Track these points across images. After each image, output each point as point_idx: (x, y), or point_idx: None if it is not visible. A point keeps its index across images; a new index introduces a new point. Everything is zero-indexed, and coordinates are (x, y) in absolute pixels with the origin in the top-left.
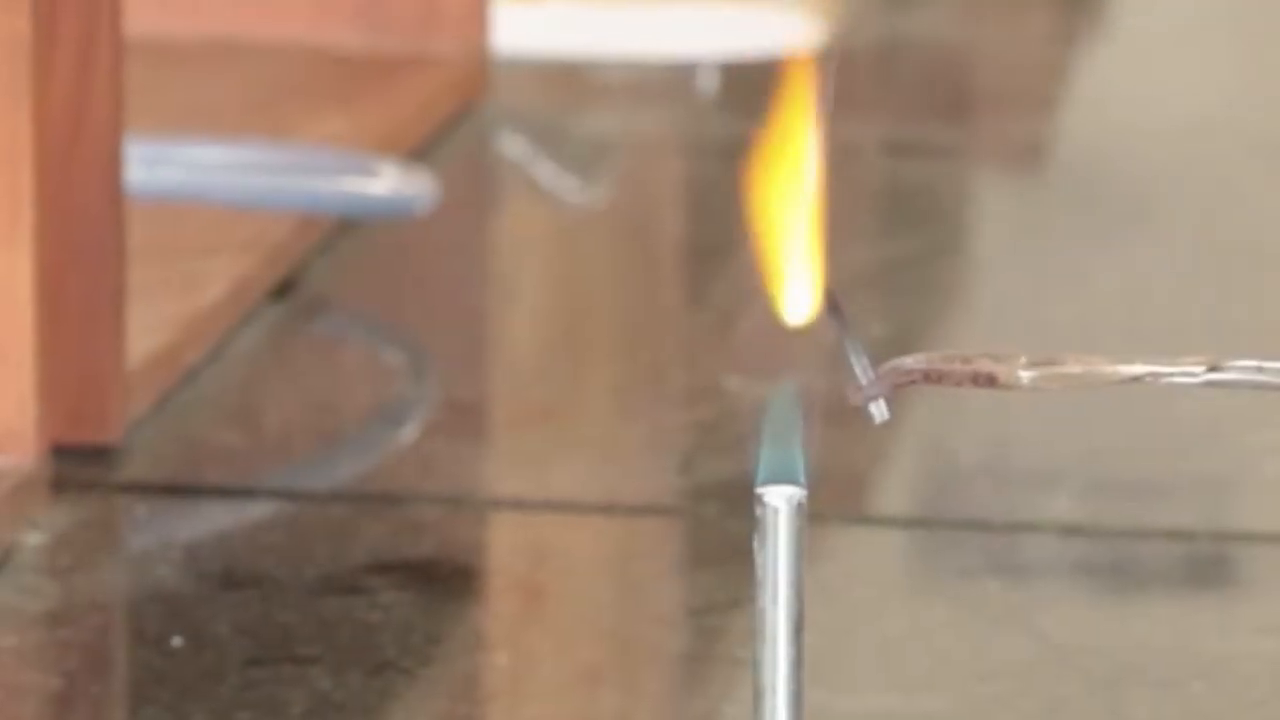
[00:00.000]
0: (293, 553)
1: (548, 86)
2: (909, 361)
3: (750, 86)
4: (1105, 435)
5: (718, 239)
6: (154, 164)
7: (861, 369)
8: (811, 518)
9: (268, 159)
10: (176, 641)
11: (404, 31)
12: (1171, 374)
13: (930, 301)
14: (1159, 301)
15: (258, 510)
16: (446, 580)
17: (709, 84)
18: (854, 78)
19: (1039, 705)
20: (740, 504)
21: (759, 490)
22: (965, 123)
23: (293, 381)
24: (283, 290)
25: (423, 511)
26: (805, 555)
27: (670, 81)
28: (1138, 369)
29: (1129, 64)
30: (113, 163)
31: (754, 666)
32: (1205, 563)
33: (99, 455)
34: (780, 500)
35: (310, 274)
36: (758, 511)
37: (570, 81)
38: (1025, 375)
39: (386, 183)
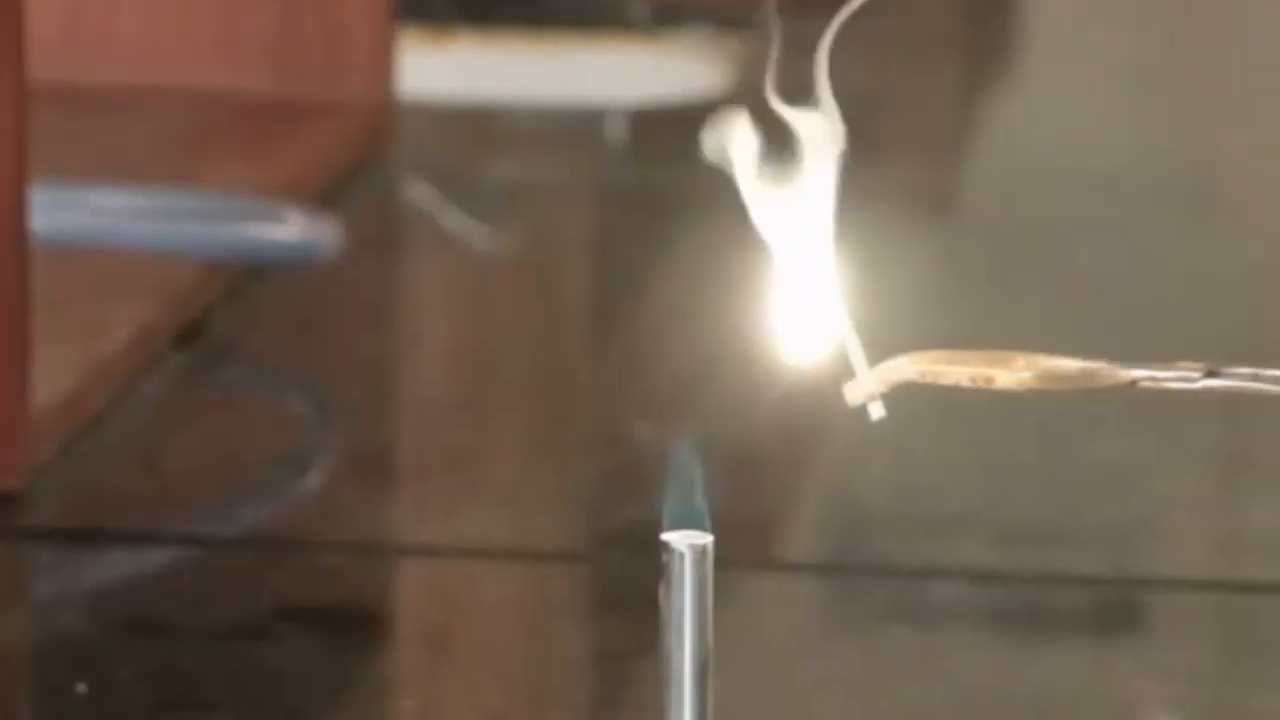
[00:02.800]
0: (198, 599)
1: (455, 133)
2: (905, 360)
3: (659, 134)
4: (1014, 481)
5: (625, 286)
6: (59, 210)
7: (859, 367)
8: (718, 564)
9: (174, 205)
10: (81, 688)
11: (311, 77)
12: (1169, 378)
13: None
14: (1063, 349)
15: (163, 557)
16: (353, 627)
17: (618, 131)
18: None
19: None
20: (647, 550)
21: (664, 536)
22: (873, 169)
23: (198, 428)
24: (188, 337)
25: (329, 558)
26: (712, 601)
27: (578, 128)
28: (1136, 373)
29: (1037, 113)
30: (17, 210)
31: (660, 712)
32: (1113, 609)
33: (3, 501)
34: (685, 546)
35: (216, 320)
36: (663, 557)
37: (478, 128)
38: (1023, 376)
39: (293, 229)
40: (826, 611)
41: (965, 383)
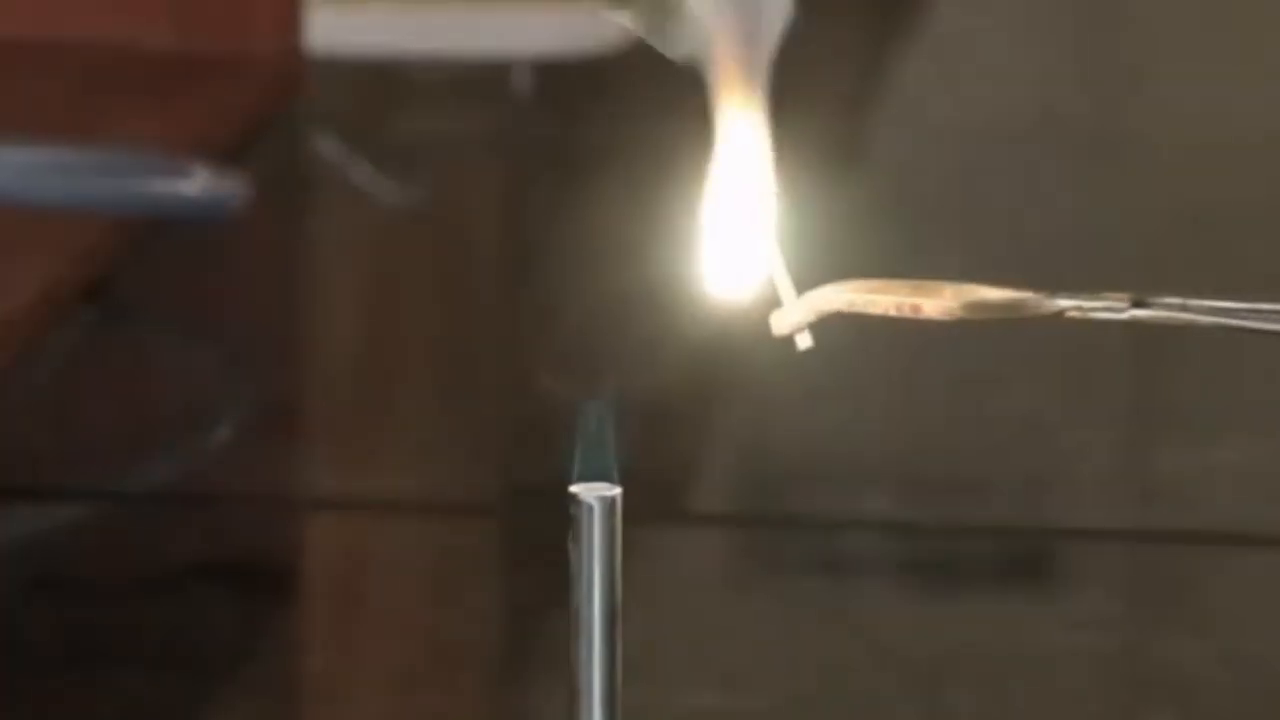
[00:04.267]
0: (107, 555)
1: (362, 87)
2: (832, 290)
3: (566, 86)
4: (923, 432)
5: (533, 239)
6: None
7: (785, 296)
8: (627, 516)
9: (77, 160)
10: None
11: (217, 31)
12: (1095, 308)
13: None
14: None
15: (70, 512)
16: (262, 581)
17: (524, 83)
18: (668, 78)
19: (858, 703)
20: (556, 503)
21: (573, 489)
22: (776, 123)
23: (104, 384)
24: (93, 293)
25: (238, 512)
26: (621, 554)
27: (485, 81)
28: (1062, 302)
29: (947, 64)
30: None
31: (569, 665)
32: (1023, 559)
33: None
34: (594, 499)
35: (121, 276)
36: (571, 510)
37: (385, 81)
38: (950, 306)
39: (198, 184)
40: (734, 564)
41: (893, 311)
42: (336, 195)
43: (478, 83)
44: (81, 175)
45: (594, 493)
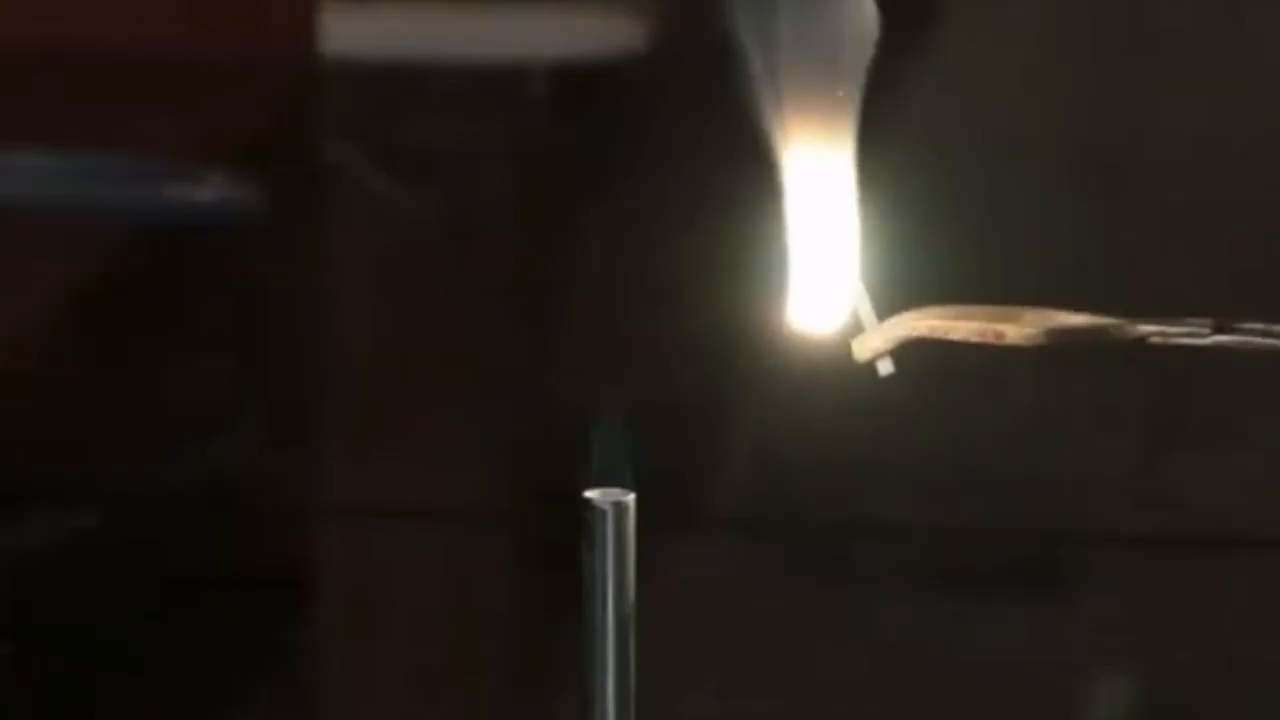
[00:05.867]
0: (122, 560)
1: (377, 92)
2: (913, 316)
3: (580, 90)
4: (938, 439)
5: (549, 244)
6: None
7: (867, 322)
8: (642, 522)
9: (92, 167)
10: (3, 649)
11: (231, 36)
12: (1178, 334)
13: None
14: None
15: (86, 517)
16: (277, 587)
17: (538, 87)
18: (683, 82)
19: (873, 709)
20: (570, 509)
21: (587, 494)
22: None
23: (120, 391)
24: (108, 299)
25: (253, 519)
26: (635, 560)
27: (499, 85)
28: (1145, 328)
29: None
30: None
31: (582, 670)
32: (1038, 565)
33: None
34: (607, 504)
35: (136, 283)
36: (585, 516)
37: (399, 86)
38: (1031, 332)
39: (213, 190)
40: (749, 570)
41: (974, 338)
42: (351, 201)
43: (492, 87)
44: (96, 182)
45: (608, 498)
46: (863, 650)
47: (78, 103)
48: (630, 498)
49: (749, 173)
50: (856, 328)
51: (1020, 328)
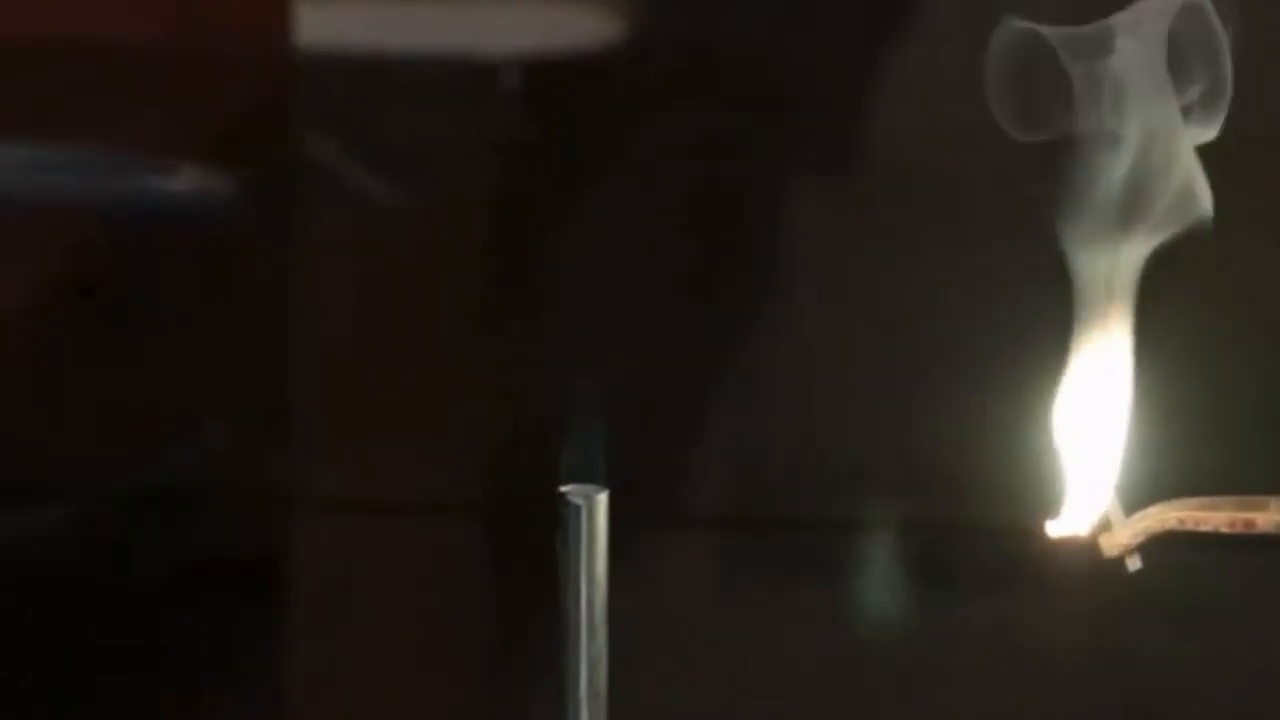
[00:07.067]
0: (98, 553)
1: (353, 85)
2: (1161, 509)
3: (556, 84)
4: (915, 433)
5: (525, 238)
6: None
7: (1116, 518)
8: (618, 518)
9: (69, 160)
10: None
11: (207, 30)
12: None
13: (727, 305)
14: (960, 314)
15: (62, 511)
16: (253, 581)
17: (513, 81)
18: (659, 76)
19: (850, 704)
20: (546, 504)
21: (562, 489)
22: (777, 122)
23: (95, 383)
24: (85, 292)
25: (229, 512)
26: (611, 554)
27: (475, 79)
28: None
29: (945, 61)
30: None
31: (558, 664)
32: (1018, 560)
33: None
34: (581, 499)
35: (112, 275)
36: (561, 510)
37: (375, 80)
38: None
39: (190, 183)
40: (725, 565)
41: (1224, 529)
42: (326, 194)
43: (467, 81)
44: (73, 174)
45: (582, 494)
46: (839, 645)
47: (53, 96)
48: (603, 493)
49: (726, 165)
50: (1105, 523)
51: (1270, 515)
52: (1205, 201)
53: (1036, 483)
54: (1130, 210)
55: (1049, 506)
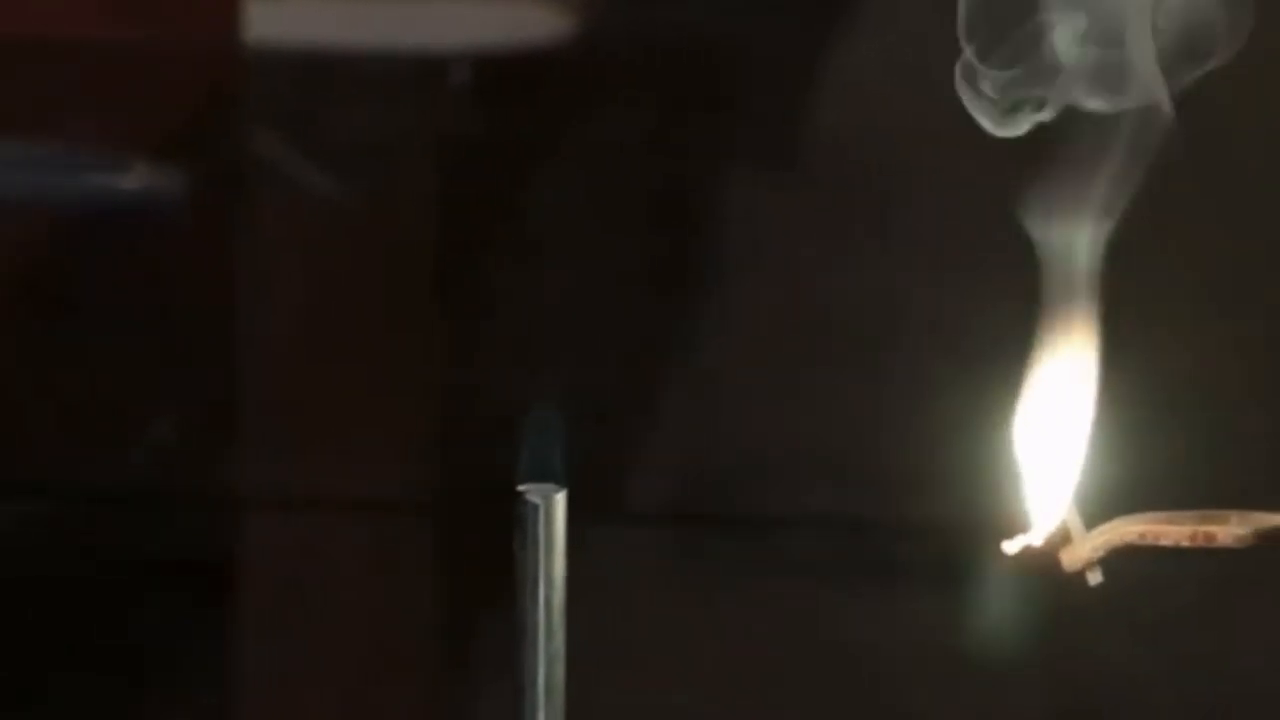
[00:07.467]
0: (44, 551)
1: (299, 81)
2: (1122, 523)
3: (504, 80)
4: (864, 430)
5: (472, 235)
6: None
7: (1077, 533)
8: (572, 515)
9: (15, 156)
10: None
11: (154, 25)
12: None
13: (677, 301)
14: (909, 310)
15: (9, 509)
16: (201, 579)
17: (462, 77)
18: (608, 73)
19: (801, 699)
20: (498, 502)
21: (519, 487)
22: (726, 118)
23: (42, 381)
24: (31, 288)
25: (177, 510)
26: (566, 552)
27: (423, 75)
28: None
29: (893, 56)
30: None
31: (514, 662)
32: (965, 557)
33: None
34: (539, 498)
35: (59, 272)
36: (517, 509)
37: (323, 76)
38: (1241, 533)
39: (136, 179)
40: (679, 562)
41: (1185, 542)
42: (274, 190)
43: (416, 77)
44: (19, 170)
45: (539, 492)
46: (791, 640)
47: (0, 92)
48: (561, 492)
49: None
50: (1065, 537)
51: (1229, 529)
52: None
53: (990, 480)
54: (1089, 198)
55: (1003, 504)
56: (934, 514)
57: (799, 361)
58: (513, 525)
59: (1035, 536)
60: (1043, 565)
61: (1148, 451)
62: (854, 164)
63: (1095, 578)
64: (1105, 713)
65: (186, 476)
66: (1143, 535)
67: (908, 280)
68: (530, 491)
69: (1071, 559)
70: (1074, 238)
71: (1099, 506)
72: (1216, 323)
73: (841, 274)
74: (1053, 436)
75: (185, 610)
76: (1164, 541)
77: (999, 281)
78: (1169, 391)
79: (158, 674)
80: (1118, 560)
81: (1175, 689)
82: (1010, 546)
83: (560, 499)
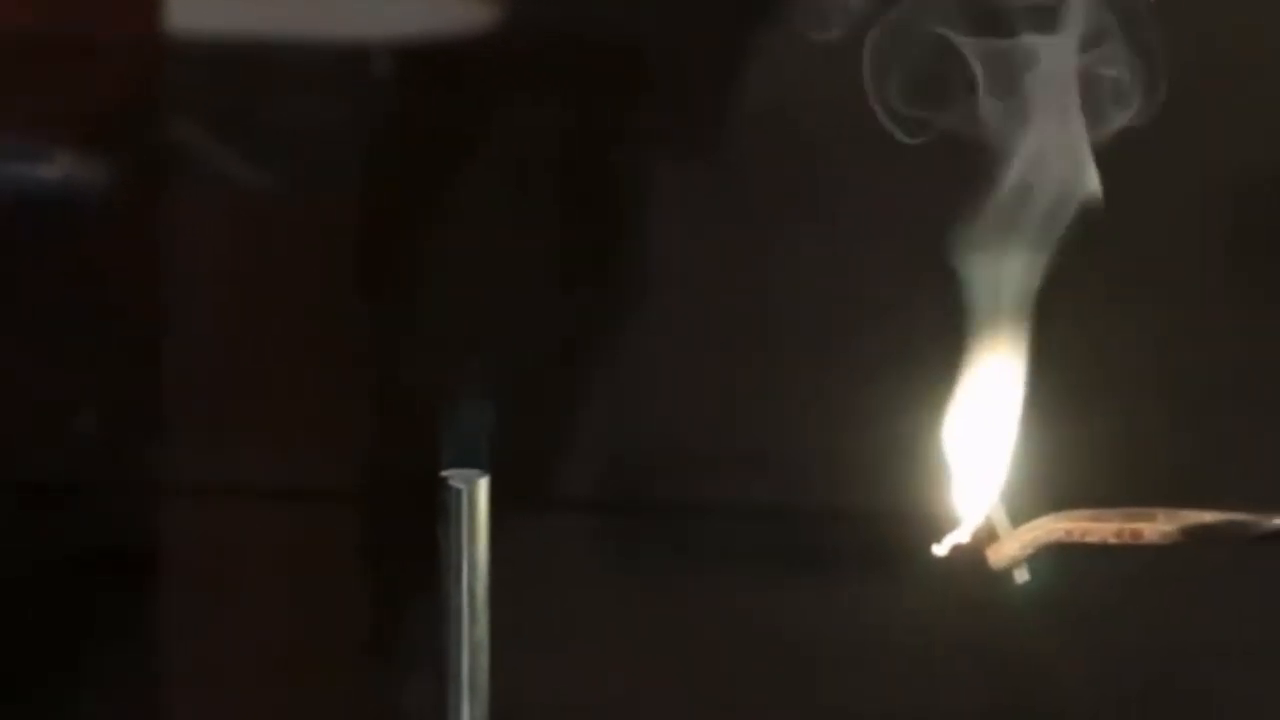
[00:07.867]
0: None
1: (224, 71)
2: (1050, 520)
3: (427, 71)
4: (788, 418)
5: (395, 225)
6: None
7: (1004, 530)
8: (496, 502)
9: None
10: None
11: (77, 14)
12: None
13: (602, 289)
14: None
15: None
16: (126, 569)
17: (385, 68)
18: (530, 62)
19: (728, 687)
20: (423, 490)
21: (442, 474)
22: (646, 107)
23: None
24: None
25: (101, 501)
26: (491, 539)
27: (346, 66)
28: (1277, 521)
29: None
30: None
31: (438, 650)
32: (893, 545)
33: None
34: (463, 483)
35: None
36: (442, 495)
37: (247, 66)
38: (1167, 529)
39: (60, 169)
40: (603, 549)
41: (1112, 539)
42: (196, 180)
43: (339, 66)
44: None
45: (463, 477)
46: (717, 628)
47: None
48: (485, 478)
49: (595, 149)
50: (992, 534)
51: (1156, 526)
52: (1093, 189)
53: (920, 469)
54: (1016, 210)
55: (933, 493)
56: (862, 502)
57: (726, 349)
58: (437, 512)
59: (963, 534)
60: (971, 562)
61: (1074, 449)
62: (780, 152)
63: (1022, 575)
64: (1037, 701)
65: (111, 466)
66: (1069, 533)
67: (836, 269)
68: (454, 477)
69: (998, 556)
70: (1003, 240)
71: (1027, 504)
72: (1148, 321)
73: (769, 263)
74: (980, 435)
75: (109, 599)
76: (1091, 539)
77: (930, 272)
78: (1095, 390)
79: (81, 662)
80: (1047, 552)
81: (1106, 678)
82: (939, 548)
83: (484, 484)
